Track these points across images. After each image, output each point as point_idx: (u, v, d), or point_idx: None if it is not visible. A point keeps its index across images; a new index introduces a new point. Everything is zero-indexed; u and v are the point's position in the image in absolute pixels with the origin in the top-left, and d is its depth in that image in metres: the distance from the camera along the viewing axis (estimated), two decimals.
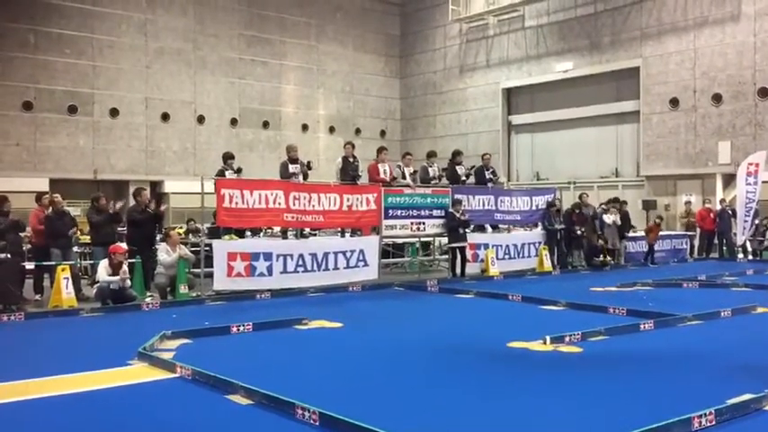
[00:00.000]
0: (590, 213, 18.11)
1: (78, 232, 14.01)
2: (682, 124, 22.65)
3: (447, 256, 16.07)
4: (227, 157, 14.15)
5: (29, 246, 13.23)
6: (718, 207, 19.99)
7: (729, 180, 21.33)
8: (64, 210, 12.89)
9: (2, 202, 11.76)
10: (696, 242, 20.82)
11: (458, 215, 15.10)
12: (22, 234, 12.22)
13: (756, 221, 19.57)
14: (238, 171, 13.97)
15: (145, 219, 12.93)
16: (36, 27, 22.31)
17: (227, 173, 13.71)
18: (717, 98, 21.80)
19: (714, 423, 5.06)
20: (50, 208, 12.74)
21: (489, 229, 16.92)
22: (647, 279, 14.52)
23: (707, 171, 22.08)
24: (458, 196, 15.47)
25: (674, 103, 22.76)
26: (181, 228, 18.27)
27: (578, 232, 17.53)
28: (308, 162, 14.23)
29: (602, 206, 18.79)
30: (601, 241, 17.66)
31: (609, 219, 18.00)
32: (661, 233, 20.81)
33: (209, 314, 10.59)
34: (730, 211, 19.45)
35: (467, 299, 12.54)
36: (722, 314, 9.97)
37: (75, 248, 13.88)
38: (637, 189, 24.05)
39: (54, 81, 22.64)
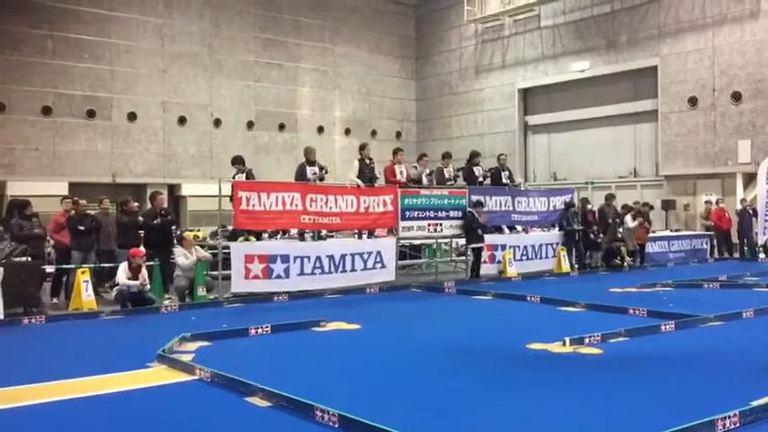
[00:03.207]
0: (611, 213, 17.99)
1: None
2: (701, 123, 22.42)
3: (464, 258, 16.02)
4: (236, 161, 14.07)
5: (50, 249, 13.36)
6: (739, 207, 19.77)
7: (750, 179, 21.07)
8: (87, 212, 13.01)
9: (24, 207, 11.90)
10: (716, 242, 20.64)
11: (477, 216, 15.07)
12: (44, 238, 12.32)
13: None
14: (248, 176, 13.85)
15: (159, 223, 12.95)
16: (54, 33, 22.50)
17: (238, 176, 13.67)
18: (736, 96, 21.55)
19: (738, 425, 5.00)
20: (73, 210, 12.87)
21: (506, 230, 16.85)
22: (667, 280, 14.37)
23: (727, 170, 21.83)
24: (478, 197, 15.43)
25: (693, 101, 22.53)
26: (198, 230, 18.34)
27: (597, 234, 17.42)
28: (323, 168, 14.11)
29: (623, 209, 18.66)
30: (616, 243, 17.54)
31: (631, 222, 17.83)
32: (681, 233, 20.69)
33: (228, 316, 10.64)
34: (751, 211, 19.21)
35: (485, 300, 12.48)
36: (744, 315, 9.85)
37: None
38: (656, 189, 23.82)
39: (72, 86, 22.82)
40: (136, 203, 13.73)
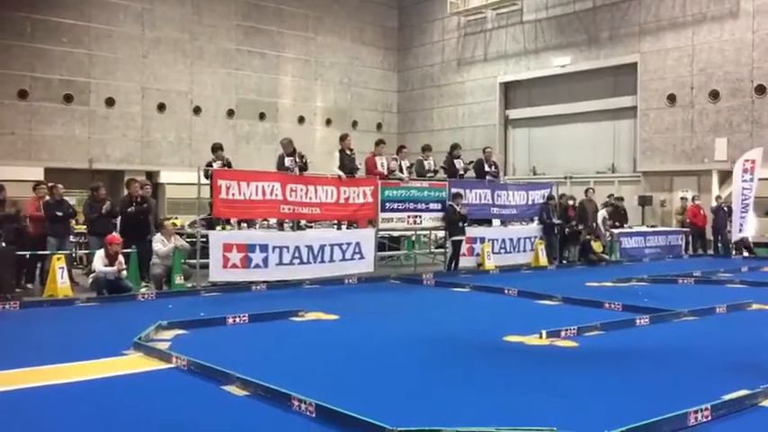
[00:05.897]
0: (591, 209, 18.13)
1: (74, 221, 13.97)
2: (679, 120, 22.65)
3: (443, 250, 16.06)
4: (217, 148, 14.05)
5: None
6: (714, 204, 20.02)
7: (725, 177, 21.34)
8: (63, 198, 12.86)
9: None
10: (691, 239, 20.91)
11: (458, 208, 15.12)
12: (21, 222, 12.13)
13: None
14: (228, 164, 13.80)
15: (135, 211, 12.84)
16: (33, 15, 22.14)
17: (215, 164, 13.62)
18: (714, 95, 21.79)
19: (710, 418, 5.07)
20: (47, 197, 12.71)
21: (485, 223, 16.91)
22: (643, 275, 14.53)
23: (703, 167, 22.09)
24: (457, 189, 15.47)
25: (672, 99, 22.75)
26: (176, 219, 18.19)
27: (575, 228, 17.56)
28: (303, 158, 14.05)
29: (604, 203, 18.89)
30: (588, 236, 17.70)
31: (602, 222, 18.05)
32: (656, 229, 20.92)
33: (205, 305, 10.59)
34: (726, 209, 19.46)
35: (463, 292, 12.54)
36: (717, 310, 10.00)
37: (72, 238, 13.83)
38: (633, 185, 24.05)
39: (50, 70, 22.50)
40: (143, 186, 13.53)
